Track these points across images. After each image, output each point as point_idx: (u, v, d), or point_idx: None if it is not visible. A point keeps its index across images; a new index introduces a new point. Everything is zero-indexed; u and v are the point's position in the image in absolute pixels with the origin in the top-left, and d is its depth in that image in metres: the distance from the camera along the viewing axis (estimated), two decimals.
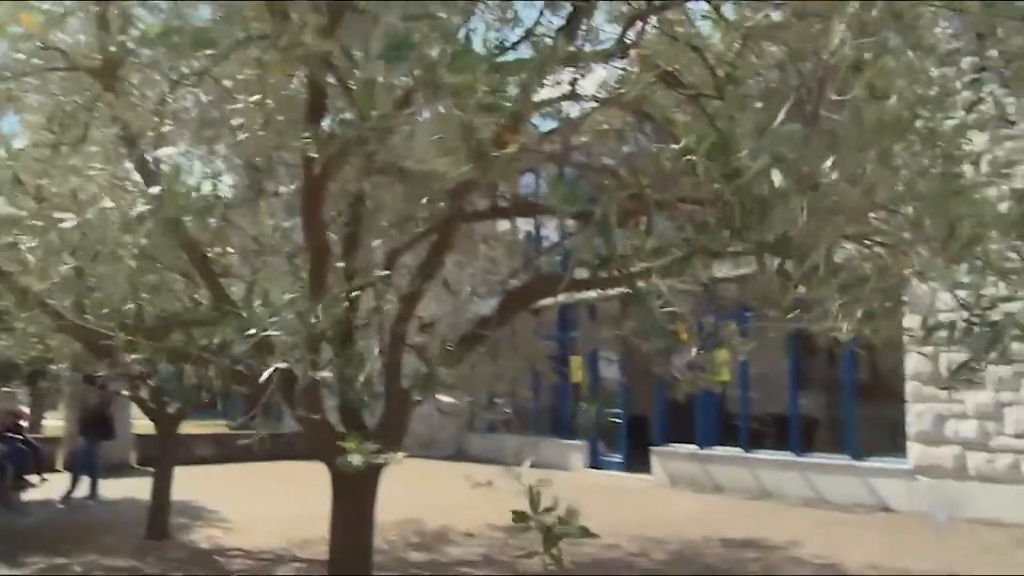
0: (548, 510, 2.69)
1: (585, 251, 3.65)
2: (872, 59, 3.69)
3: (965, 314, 4.11)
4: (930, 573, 8.27)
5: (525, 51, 4.74)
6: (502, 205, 5.38)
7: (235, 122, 4.33)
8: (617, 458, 17.75)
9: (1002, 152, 7.15)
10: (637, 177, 3.48)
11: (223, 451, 20.69)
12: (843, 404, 13.50)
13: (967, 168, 4.39)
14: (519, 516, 2.76)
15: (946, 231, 3.66)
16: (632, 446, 17.35)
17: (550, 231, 10.95)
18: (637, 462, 16.77)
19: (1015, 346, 4.77)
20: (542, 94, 4.60)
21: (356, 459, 3.26)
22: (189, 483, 12.43)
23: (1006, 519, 10.63)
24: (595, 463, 18.14)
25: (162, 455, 11.19)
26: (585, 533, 2.72)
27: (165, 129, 4.63)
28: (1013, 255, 4.25)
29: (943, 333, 4.12)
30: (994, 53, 4.29)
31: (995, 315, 4.14)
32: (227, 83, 4.61)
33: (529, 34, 4.74)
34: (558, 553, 2.82)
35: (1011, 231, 3.95)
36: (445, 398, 4.72)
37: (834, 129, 3.76)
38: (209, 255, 5.98)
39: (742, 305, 7.63)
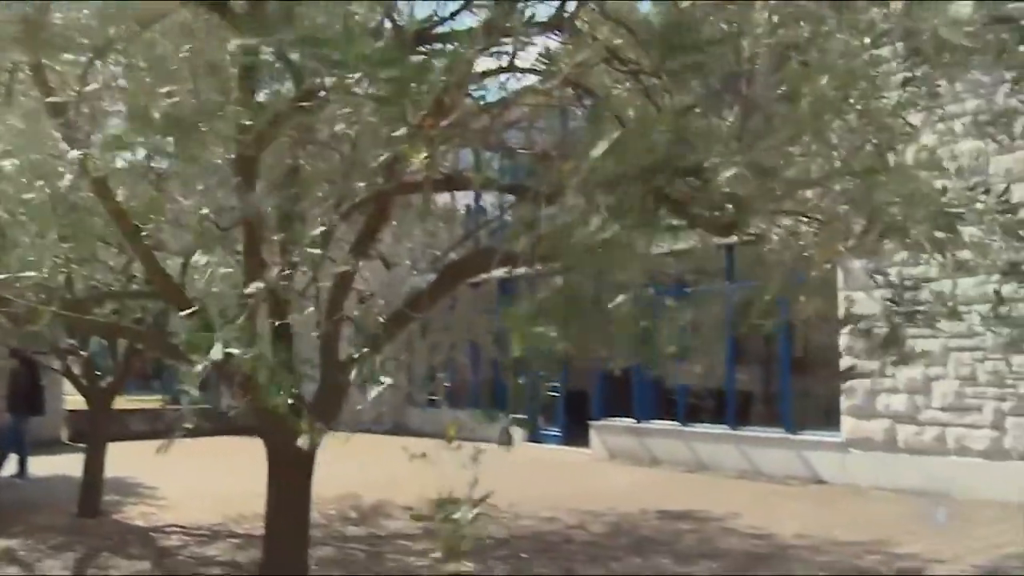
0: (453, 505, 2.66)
1: (520, 226, 3.63)
2: (807, 38, 3.72)
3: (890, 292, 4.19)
4: (858, 541, 8.48)
5: (466, 22, 4.70)
6: (437, 178, 5.34)
7: (164, 90, 4.22)
8: (556, 432, 17.87)
9: (934, 133, 7.30)
10: (570, 155, 3.47)
11: (158, 426, 20.42)
12: (779, 379, 13.76)
13: (900, 148, 4.46)
14: (419, 517, 2.75)
15: (877, 209, 3.71)
16: (571, 420, 17.47)
17: (490, 205, 10.93)
18: (576, 436, 16.91)
19: (943, 323, 4.89)
20: (481, 65, 4.57)
21: (302, 439, 3.23)
22: (123, 459, 12.22)
23: (931, 489, 10.93)
24: (534, 437, 18.24)
25: (94, 431, 10.98)
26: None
27: (90, 92, 4.49)
28: (941, 234, 4.34)
29: (862, 324, 4.19)
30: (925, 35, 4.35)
31: (922, 294, 4.22)
32: (158, 50, 4.50)
33: (468, 3, 4.68)
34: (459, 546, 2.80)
35: (939, 212, 4.03)
36: (385, 379, 4.68)
37: (769, 106, 3.78)
38: (141, 226, 5.85)
39: (680, 280, 7.70)
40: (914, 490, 11.09)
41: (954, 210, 3.88)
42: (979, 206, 4.37)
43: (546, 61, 3.75)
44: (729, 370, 14.23)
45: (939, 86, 4.27)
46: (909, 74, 4.23)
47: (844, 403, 12.31)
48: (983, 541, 8.36)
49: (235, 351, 3.79)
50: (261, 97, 4.58)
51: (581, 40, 4.36)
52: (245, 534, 9.13)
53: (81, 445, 11.40)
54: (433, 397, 19.98)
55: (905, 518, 9.71)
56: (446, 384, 18.39)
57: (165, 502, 11.52)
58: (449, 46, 4.20)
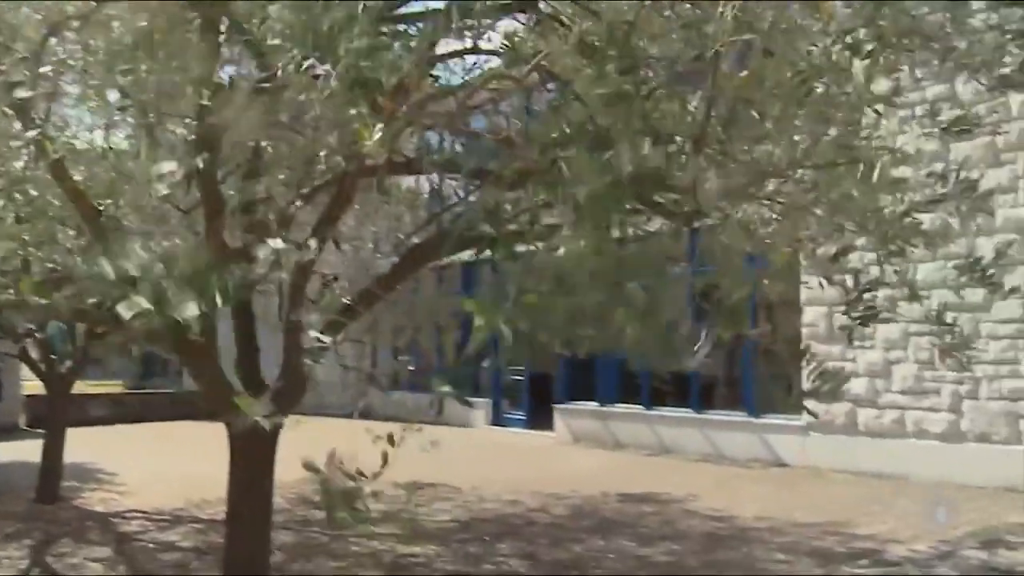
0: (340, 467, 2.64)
1: (482, 209, 3.62)
2: (770, 27, 3.73)
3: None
4: (817, 523, 8.59)
5: (430, 4, 4.66)
6: (399, 161, 5.31)
7: (122, 68, 4.15)
8: (520, 416, 17.92)
9: (894, 123, 7.36)
10: (531, 139, 3.46)
11: (119, 411, 20.25)
12: (742, 363, 13.87)
13: (862, 139, 4.49)
14: (311, 466, 2.70)
15: (839, 196, 3.74)
16: (535, 404, 17.53)
17: (455, 188, 10.88)
18: (540, 420, 16.97)
19: (903, 306, 4.95)
20: (445, 47, 4.54)
21: (248, 418, 3.17)
22: (84, 445, 12.10)
23: (889, 471, 11.10)
24: (498, 421, 18.29)
25: (52, 416, 10.85)
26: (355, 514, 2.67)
27: (44, 71, 4.40)
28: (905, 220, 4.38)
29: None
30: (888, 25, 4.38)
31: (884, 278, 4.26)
32: (115, 27, 4.41)
33: None
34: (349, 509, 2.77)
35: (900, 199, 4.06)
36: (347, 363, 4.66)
37: (734, 94, 3.79)
38: (101, 208, 5.76)
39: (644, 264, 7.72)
40: (873, 472, 11.25)
41: (915, 199, 3.92)
42: (939, 192, 4.41)
43: (509, 43, 3.73)
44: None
45: (900, 69, 4.30)
46: (868, 60, 4.25)
47: (806, 387, 12.41)
48: (940, 522, 8.50)
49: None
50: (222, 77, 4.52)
51: (547, 24, 4.34)
52: (208, 519, 9.08)
53: (40, 431, 11.24)
54: (400, 379, 19.93)
55: (864, 500, 9.85)
56: (410, 368, 18.35)
57: (126, 487, 11.41)
58: (412, 28, 4.17)
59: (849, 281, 4.62)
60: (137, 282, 3.01)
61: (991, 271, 4.32)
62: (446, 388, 2.86)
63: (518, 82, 4.27)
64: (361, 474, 2.67)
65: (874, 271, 4.79)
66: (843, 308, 4.59)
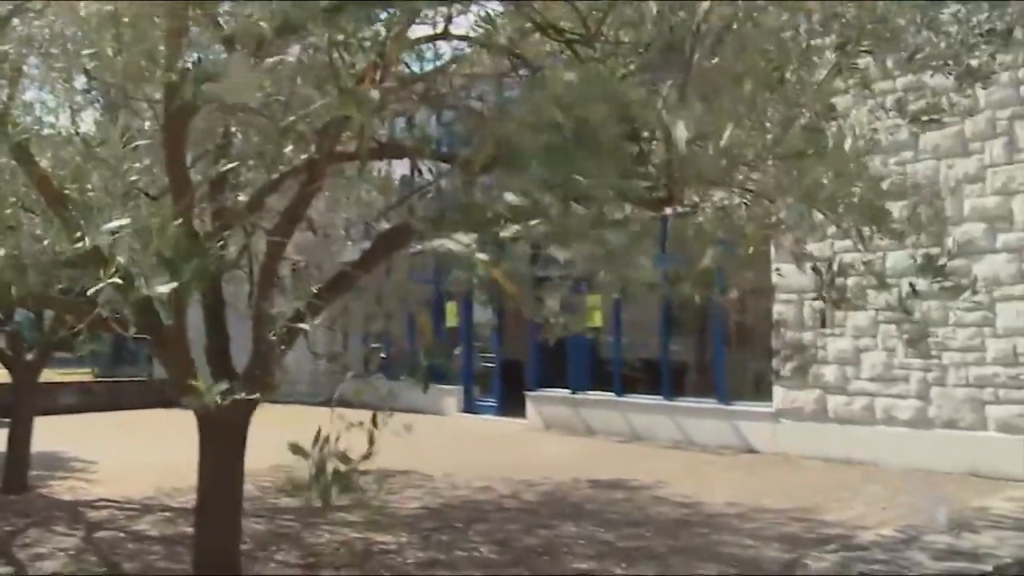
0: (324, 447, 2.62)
1: (452, 195, 3.61)
2: (744, 16, 3.74)
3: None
4: (785, 509, 8.67)
5: None
6: (371, 146, 5.28)
7: (87, 52, 4.09)
8: (491, 402, 17.94)
9: (863, 112, 7.41)
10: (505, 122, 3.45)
11: (88, 400, 20.07)
12: (712, 350, 13.96)
13: (831, 127, 4.52)
14: (298, 449, 2.69)
15: (808, 189, 3.77)
16: (506, 391, 17.55)
17: (426, 174, 10.83)
18: (511, 406, 16.98)
19: (870, 294, 4.99)
20: (416, 32, 4.51)
21: (207, 400, 3.15)
22: (52, 433, 11.98)
23: (858, 457, 11.23)
24: (469, 408, 18.29)
25: (19, 404, 10.72)
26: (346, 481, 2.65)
27: (6, 50, 4.32)
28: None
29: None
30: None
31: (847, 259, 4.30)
32: (81, 6, 4.35)
33: None
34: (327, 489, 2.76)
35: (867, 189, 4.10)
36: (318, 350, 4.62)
37: (704, 82, 3.80)
38: (68, 193, 5.68)
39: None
40: (843, 459, 11.37)
41: (883, 187, 3.95)
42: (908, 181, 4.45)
43: (482, 27, 3.72)
44: (663, 341, 14.40)
45: (868, 53, 4.33)
46: (839, 50, 4.28)
47: (775, 364, 12.52)
48: (907, 507, 8.61)
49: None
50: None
51: (518, 8, 4.33)
52: (178, 507, 9.02)
53: (6, 420, 11.12)
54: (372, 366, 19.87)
55: (833, 486, 9.95)
56: (382, 355, 18.31)
57: (95, 476, 11.32)
58: (384, 12, 4.14)
59: (822, 267, 4.65)
60: (106, 259, 2.98)
61: (947, 269, 4.36)
62: (416, 376, 2.86)
63: (489, 66, 4.27)
64: (347, 457, 2.66)
65: (846, 259, 4.83)
66: (813, 295, 4.62)
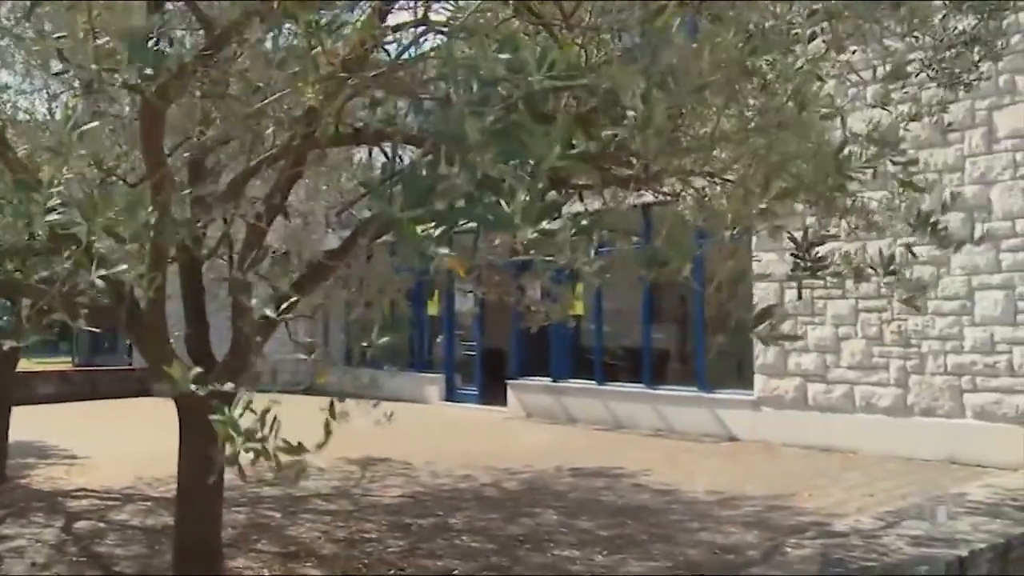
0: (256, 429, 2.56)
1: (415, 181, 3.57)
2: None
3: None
4: (765, 496, 8.72)
5: None
6: (350, 133, 5.25)
7: (61, 35, 4.03)
8: (473, 391, 17.95)
9: (845, 99, 7.42)
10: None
11: (68, 389, 19.96)
12: (694, 338, 14.01)
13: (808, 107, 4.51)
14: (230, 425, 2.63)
15: (777, 165, 3.76)
16: (488, 379, 17.57)
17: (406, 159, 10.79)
18: (493, 395, 17.01)
19: (849, 283, 5.00)
20: (395, 19, 4.49)
21: (183, 387, 3.11)
22: (31, 423, 11.89)
23: (838, 445, 11.30)
24: (451, 396, 18.31)
25: None
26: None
27: None
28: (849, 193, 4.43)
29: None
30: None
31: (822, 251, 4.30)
32: None
33: None
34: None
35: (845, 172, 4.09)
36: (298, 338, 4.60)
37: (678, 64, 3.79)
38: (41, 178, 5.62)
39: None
40: (823, 447, 11.44)
41: (857, 170, 3.94)
42: (889, 168, 4.45)
43: (459, 15, 3.69)
44: (645, 329, 14.44)
45: (847, 37, 4.33)
46: (817, 29, 4.27)
47: (757, 362, 12.59)
48: (886, 494, 8.68)
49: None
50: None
51: None
52: (159, 497, 8.99)
53: None
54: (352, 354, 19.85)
55: (813, 474, 10.01)
56: (364, 344, 18.28)
57: (75, 466, 11.26)
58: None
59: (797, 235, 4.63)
60: (84, 245, 2.94)
61: (942, 226, 4.37)
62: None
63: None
64: (302, 447, 2.62)
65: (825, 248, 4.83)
66: (791, 270, 4.58)
